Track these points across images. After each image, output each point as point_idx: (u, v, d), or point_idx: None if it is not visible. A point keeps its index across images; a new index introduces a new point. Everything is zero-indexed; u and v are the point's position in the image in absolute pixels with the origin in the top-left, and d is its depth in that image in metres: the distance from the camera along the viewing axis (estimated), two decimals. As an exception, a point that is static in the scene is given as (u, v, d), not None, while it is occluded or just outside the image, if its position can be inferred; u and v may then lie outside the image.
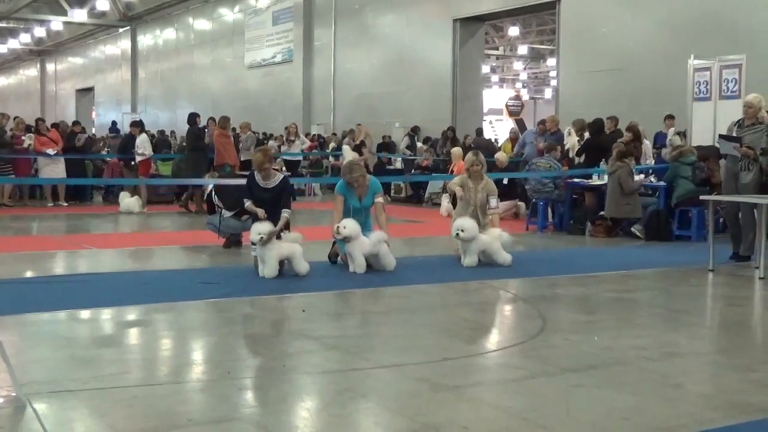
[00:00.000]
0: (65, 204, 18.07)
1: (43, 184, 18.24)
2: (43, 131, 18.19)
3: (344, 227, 8.71)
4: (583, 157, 14.87)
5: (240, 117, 22.56)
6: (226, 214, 10.68)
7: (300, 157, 21.30)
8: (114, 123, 31.57)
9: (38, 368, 5.03)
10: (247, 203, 9.15)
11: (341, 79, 28.41)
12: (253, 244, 8.56)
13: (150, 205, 18.36)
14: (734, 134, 9.94)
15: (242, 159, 18.06)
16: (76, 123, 22.04)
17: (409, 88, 25.31)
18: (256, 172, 9.23)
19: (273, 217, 8.82)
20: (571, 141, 15.96)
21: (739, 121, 10.13)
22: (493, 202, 10.11)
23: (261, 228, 8.39)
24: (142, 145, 17.74)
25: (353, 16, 27.76)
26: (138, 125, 18.68)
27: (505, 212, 15.45)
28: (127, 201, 16.74)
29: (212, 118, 20.16)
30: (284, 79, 31.25)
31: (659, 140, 15.70)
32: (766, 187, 9.77)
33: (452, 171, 16.68)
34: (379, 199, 9.47)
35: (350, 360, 5.37)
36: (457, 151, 17.19)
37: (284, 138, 21.88)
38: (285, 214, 8.93)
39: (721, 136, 10.09)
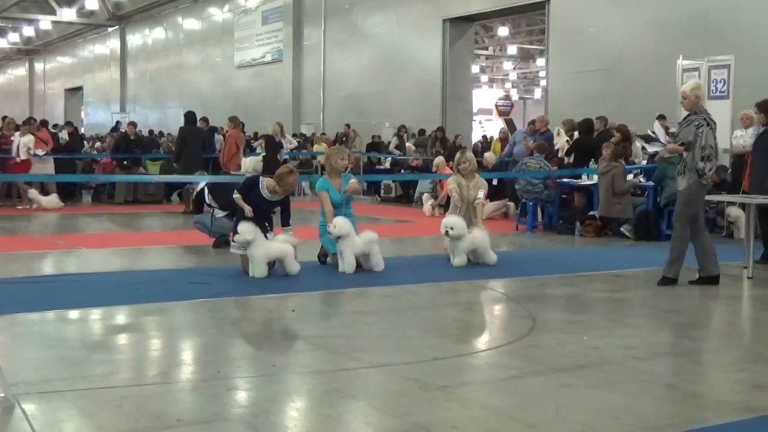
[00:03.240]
0: (61, 204, 17.96)
1: (32, 180, 18.09)
2: (33, 131, 18.09)
3: (335, 226, 8.72)
4: (572, 157, 14.90)
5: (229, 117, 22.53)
6: (219, 213, 10.60)
7: (287, 157, 21.26)
8: (118, 123, 31.32)
9: (27, 368, 5.01)
10: (236, 195, 8.93)
11: (331, 78, 28.41)
12: (234, 242, 8.54)
13: (140, 204, 18.37)
14: (677, 130, 8.68)
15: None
16: (68, 123, 22.00)
17: (399, 88, 25.32)
18: (263, 181, 8.95)
19: (264, 215, 8.81)
20: (561, 141, 15.99)
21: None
22: (480, 193, 10.17)
23: (244, 228, 8.37)
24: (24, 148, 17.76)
25: (343, 15, 27.75)
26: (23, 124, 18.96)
27: (495, 212, 15.48)
28: (47, 199, 16.89)
29: (204, 119, 20.12)
30: (274, 79, 31.23)
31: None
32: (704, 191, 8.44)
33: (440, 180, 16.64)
34: (353, 179, 9.69)
35: (340, 360, 5.37)
36: (439, 160, 17.09)
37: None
38: (291, 234, 8.77)
39: (639, 137, 8.26)
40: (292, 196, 9.64)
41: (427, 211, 16.11)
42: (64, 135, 20.36)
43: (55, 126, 24.04)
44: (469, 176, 10.29)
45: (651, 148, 9.39)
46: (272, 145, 18.27)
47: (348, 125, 25.58)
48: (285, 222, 9.00)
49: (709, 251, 8.34)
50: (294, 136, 25.79)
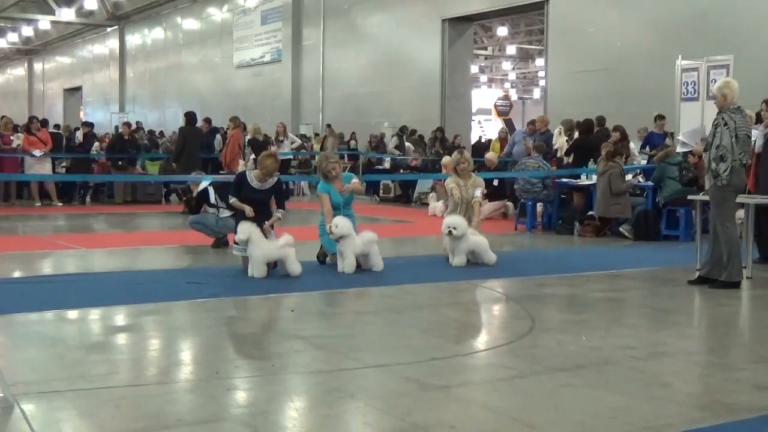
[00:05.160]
0: (59, 204, 17.96)
1: (29, 180, 18.13)
2: (33, 131, 18.11)
3: (337, 226, 8.72)
4: (572, 157, 14.90)
5: (228, 117, 22.52)
6: (224, 213, 10.61)
7: (290, 156, 21.23)
8: (138, 122, 31.10)
9: (26, 369, 5.01)
10: (233, 199, 9.13)
11: (330, 78, 28.40)
12: (236, 243, 8.56)
13: (139, 204, 18.39)
14: None
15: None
16: (85, 124, 21.99)
17: (398, 88, 25.32)
18: (250, 173, 9.21)
19: (261, 216, 8.84)
20: (560, 141, 15.99)
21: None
22: (477, 192, 10.21)
23: (245, 228, 8.38)
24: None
25: (342, 15, 27.74)
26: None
27: (494, 212, 15.50)
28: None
29: (207, 119, 20.11)
30: (273, 79, 31.21)
31: (655, 140, 15.69)
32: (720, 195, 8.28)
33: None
34: (354, 179, 9.72)
35: (339, 360, 5.37)
36: (447, 159, 17.11)
37: (273, 138, 21.78)
38: (278, 213, 9.15)
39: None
40: (292, 197, 9.69)
41: (438, 211, 15.95)
42: (79, 136, 20.45)
43: (57, 126, 24.05)
44: (466, 176, 10.34)
45: (681, 149, 9.92)
46: (257, 146, 18.21)
47: (329, 125, 25.62)
48: (280, 205, 9.26)
49: (720, 256, 8.30)
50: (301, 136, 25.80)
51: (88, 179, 18.79)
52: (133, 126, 24.54)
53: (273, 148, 19.22)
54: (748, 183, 10.33)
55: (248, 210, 8.80)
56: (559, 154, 15.71)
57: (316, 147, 24.29)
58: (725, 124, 8.10)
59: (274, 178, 9.22)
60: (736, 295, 8.19)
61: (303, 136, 26.67)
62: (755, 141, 11.94)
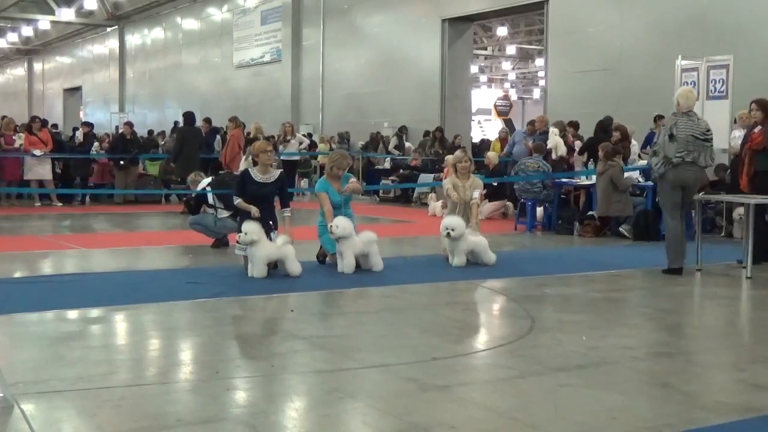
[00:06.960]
0: (59, 204, 17.99)
1: (32, 192, 18.20)
2: (34, 130, 18.11)
3: (337, 227, 8.71)
4: (585, 156, 14.96)
5: (228, 117, 22.53)
6: (223, 214, 10.60)
7: (297, 157, 21.08)
8: (176, 123, 30.92)
9: (26, 368, 5.01)
10: (238, 200, 9.09)
11: (330, 78, 28.39)
12: (238, 242, 8.56)
13: (138, 204, 18.40)
14: None
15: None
16: (85, 124, 22.01)
17: (398, 88, 25.31)
18: (253, 169, 9.20)
19: (268, 214, 8.85)
20: (553, 141, 15.94)
21: None
22: (476, 193, 10.25)
23: (249, 228, 8.37)
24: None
25: (342, 15, 27.74)
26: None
27: (494, 212, 15.50)
28: None
29: (207, 119, 20.08)
30: (273, 79, 31.21)
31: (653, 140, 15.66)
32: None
33: (445, 176, 16.69)
34: (352, 179, 9.73)
35: (339, 360, 5.38)
36: (450, 157, 17.09)
37: (280, 137, 21.64)
38: (287, 213, 9.10)
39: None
40: (295, 197, 9.68)
41: (438, 211, 15.94)
42: (79, 135, 20.52)
43: (55, 126, 24.07)
44: (465, 177, 10.35)
45: None
46: None
47: (289, 123, 25.57)
48: (284, 204, 9.18)
49: (668, 243, 9.10)
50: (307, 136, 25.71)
51: (89, 192, 18.83)
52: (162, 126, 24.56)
53: (281, 148, 19.22)
54: (741, 183, 10.36)
55: (254, 210, 8.76)
56: (553, 156, 15.62)
57: (322, 147, 24.20)
58: (664, 125, 9.11)
59: (276, 171, 9.22)
60: (737, 295, 8.21)
61: (309, 135, 26.67)
62: (739, 141, 11.97)
